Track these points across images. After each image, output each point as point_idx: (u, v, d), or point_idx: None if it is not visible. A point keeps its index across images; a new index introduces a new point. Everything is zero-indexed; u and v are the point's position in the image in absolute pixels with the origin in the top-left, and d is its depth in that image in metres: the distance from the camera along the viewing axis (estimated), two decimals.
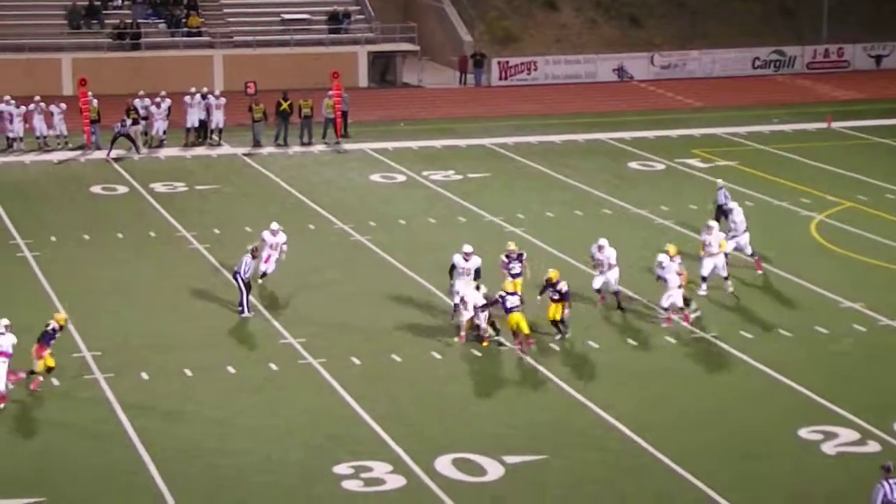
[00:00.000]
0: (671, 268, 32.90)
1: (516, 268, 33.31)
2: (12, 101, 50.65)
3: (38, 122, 50.66)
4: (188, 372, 29.82)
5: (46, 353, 28.78)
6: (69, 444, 26.39)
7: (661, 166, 50.25)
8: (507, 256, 33.56)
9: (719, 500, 24.23)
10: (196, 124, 52.31)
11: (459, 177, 48.30)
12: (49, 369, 28.92)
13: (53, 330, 29.03)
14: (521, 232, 40.95)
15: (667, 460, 25.91)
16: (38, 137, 50.91)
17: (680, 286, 32.87)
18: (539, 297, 32.39)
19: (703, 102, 62.41)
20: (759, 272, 36.86)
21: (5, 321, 27.87)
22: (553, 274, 32.11)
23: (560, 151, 52.47)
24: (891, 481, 21.09)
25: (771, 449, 26.56)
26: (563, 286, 31.88)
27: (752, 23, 72.47)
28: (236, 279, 33.48)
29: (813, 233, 41.59)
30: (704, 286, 35.09)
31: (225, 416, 27.82)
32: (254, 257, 33.49)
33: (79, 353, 30.97)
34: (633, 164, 50.51)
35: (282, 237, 35.24)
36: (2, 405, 27.64)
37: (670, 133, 55.82)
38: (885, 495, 21.08)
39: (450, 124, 57.21)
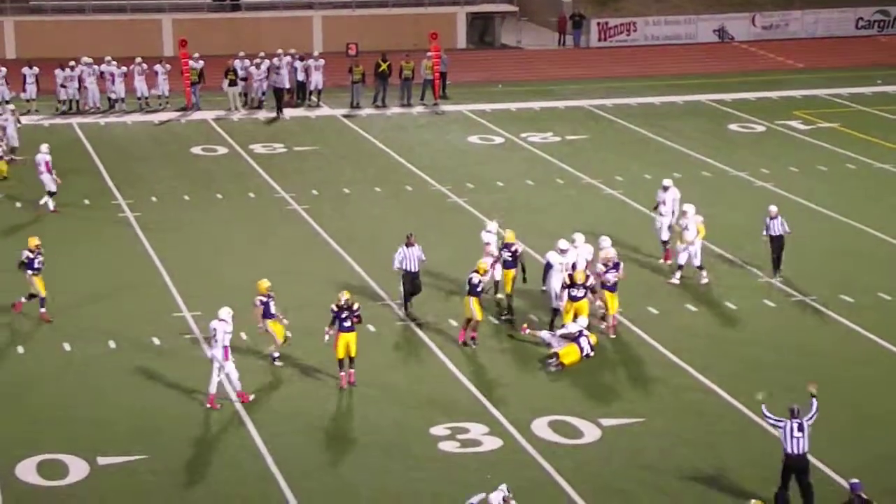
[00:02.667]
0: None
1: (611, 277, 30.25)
2: (114, 62, 51.11)
3: (139, 83, 51.08)
4: (287, 333, 29.99)
5: (348, 335, 27.36)
6: (169, 403, 26.73)
7: (761, 128, 49.72)
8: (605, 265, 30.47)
9: (818, 464, 24.03)
10: (285, 85, 52.06)
11: (558, 139, 48.12)
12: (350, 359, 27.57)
13: (339, 308, 27.26)
14: (618, 194, 40.77)
15: (764, 424, 25.74)
16: (139, 98, 51.39)
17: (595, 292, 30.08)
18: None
19: (804, 63, 61.58)
20: (668, 262, 34.53)
21: (231, 312, 26.72)
22: (579, 274, 29.64)
23: (659, 113, 52.08)
24: (794, 421, 22.48)
25: (873, 413, 26.32)
26: (591, 282, 29.62)
27: None
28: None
29: None
30: (678, 275, 33.26)
31: (323, 377, 28.03)
32: (408, 246, 31.15)
33: (179, 313, 31.31)
34: (733, 126, 50.02)
35: (572, 255, 30.59)
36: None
37: (771, 94, 55.18)
38: (785, 431, 22.54)
39: (548, 86, 56.94)
